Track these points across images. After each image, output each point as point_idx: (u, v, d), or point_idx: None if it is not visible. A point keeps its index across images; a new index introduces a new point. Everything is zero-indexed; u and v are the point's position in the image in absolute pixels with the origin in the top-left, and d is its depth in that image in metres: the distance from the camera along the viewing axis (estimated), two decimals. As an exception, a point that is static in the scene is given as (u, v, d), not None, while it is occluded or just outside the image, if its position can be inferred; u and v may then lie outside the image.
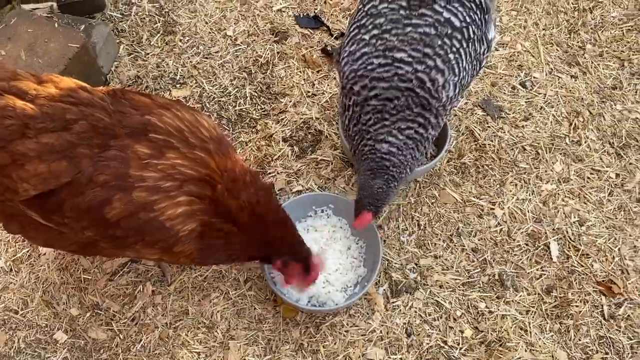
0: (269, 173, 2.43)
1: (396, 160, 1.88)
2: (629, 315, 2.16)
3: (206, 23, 2.82)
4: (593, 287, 2.21)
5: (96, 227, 1.59)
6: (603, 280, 2.23)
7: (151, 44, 2.75)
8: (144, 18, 2.82)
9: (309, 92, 2.67)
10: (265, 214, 1.73)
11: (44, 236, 1.66)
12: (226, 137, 1.79)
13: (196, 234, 1.66)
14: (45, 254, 2.20)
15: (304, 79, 2.70)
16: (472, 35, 1.93)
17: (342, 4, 2.90)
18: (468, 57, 1.92)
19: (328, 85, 2.68)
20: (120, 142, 1.57)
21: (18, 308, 2.13)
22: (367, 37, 1.90)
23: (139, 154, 1.57)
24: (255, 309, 2.14)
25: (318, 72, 2.72)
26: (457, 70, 1.88)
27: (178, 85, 2.65)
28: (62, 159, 1.48)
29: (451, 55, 1.87)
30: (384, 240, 2.30)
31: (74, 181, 1.50)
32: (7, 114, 1.45)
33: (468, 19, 1.92)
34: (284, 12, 2.88)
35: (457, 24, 1.89)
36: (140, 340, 2.06)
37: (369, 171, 1.90)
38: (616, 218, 2.36)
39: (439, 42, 1.85)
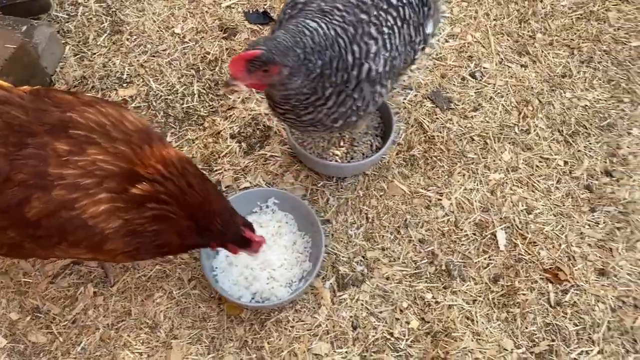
0: (216, 170, 2.41)
1: (318, 40, 1.69)
2: (575, 302, 2.16)
3: (154, 21, 2.80)
4: (540, 275, 2.21)
5: (17, 227, 1.56)
6: (550, 268, 2.22)
7: (98, 44, 2.72)
8: (91, 18, 2.79)
9: (258, 88, 2.64)
10: (206, 201, 1.70)
11: (-35, 240, 1.63)
12: (154, 129, 1.77)
13: (124, 231, 1.64)
14: (-16, 258, 2.16)
15: (254, 75, 2.67)
16: (407, 18, 1.90)
17: None
18: (402, 39, 1.89)
19: (278, 80, 2.66)
20: (39, 139, 1.54)
21: (-43, 314, 2.09)
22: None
23: (58, 151, 1.54)
24: (199, 307, 2.12)
25: (268, 68, 2.70)
26: (389, 45, 1.85)
27: (125, 85, 2.62)
28: None
29: (385, 29, 1.84)
30: (332, 235, 2.29)
31: None
32: None
33: (404, 0, 1.90)
34: (232, 8, 2.86)
35: (394, 1, 1.87)
36: (81, 342, 2.03)
37: (285, 31, 1.69)
38: (564, 205, 2.36)
39: (375, 13, 1.83)
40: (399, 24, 1.88)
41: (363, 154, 2.33)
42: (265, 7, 2.86)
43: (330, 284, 2.19)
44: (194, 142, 2.49)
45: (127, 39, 2.74)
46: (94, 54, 2.69)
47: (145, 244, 1.66)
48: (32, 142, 1.53)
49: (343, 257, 2.24)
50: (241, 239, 1.79)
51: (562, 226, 2.31)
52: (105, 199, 1.58)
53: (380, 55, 1.83)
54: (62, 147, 1.56)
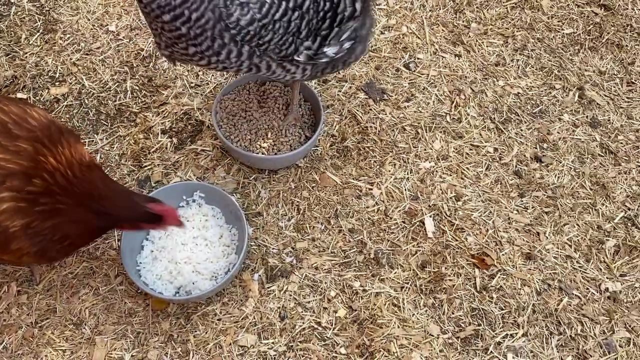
0: (145, 166, 2.40)
1: None
2: (501, 286, 2.18)
3: (88, 20, 2.78)
4: (467, 261, 2.23)
5: None
6: (477, 254, 2.24)
7: (30, 43, 2.70)
8: (24, 18, 2.77)
9: (192, 82, 2.64)
10: (93, 188, 1.72)
11: None
12: (60, 124, 1.76)
13: (30, 229, 1.63)
14: None
15: (188, 70, 2.68)
16: (304, 6, 1.83)
17: (227, -6, 2.88)
18: (285, 17, 1.79)
19: (213, 75, 2.66)
20: None
21: None
22: None
23: None
24: (125, 303, 2.11)
25: (203, 63, 2.70)
26: (264, 10, 1.75)
27: (57, 83, 2.61)
28: None
29: None
30: (263, 227, 2.29)
31: None
32: None
33: None
34: (168, 5, 2.85)
35: None
36: (2, 341, 2.01)
37: None
38: (492, 191, 2.38)
39: None
40: (290, 5, 1.79)
41: (290, 146, 2.33)
42: (200, 3, 2.85)
43: (259, 275, 2.19)
44: (124, 139, 2.48)
45: (61, 38, 2.73)
46: (26, 53, 2.67)
47: (47, 241, 1.65)
48: None
49: (273, 249, 2.25)
50: (150, 215, 1.78)
51: (490, 212, 2.33)
52: (7, 198, 1.58)
53: (250, 9, 1.72)
54: None
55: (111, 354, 2.01)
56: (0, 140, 1.61)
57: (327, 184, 2.40)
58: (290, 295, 2.15)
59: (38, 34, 2.73)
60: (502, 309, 2.14)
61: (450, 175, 2.42)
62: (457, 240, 2.26)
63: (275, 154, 2.31)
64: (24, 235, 1.61)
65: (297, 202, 2.35)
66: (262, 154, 2.31)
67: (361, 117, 2.56)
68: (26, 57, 2.67)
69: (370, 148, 2.49)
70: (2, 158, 1.59)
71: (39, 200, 1.60)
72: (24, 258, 1.68)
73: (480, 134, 2.53)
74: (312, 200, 2.36)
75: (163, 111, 2.56)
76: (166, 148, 2.46)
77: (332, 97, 2.62)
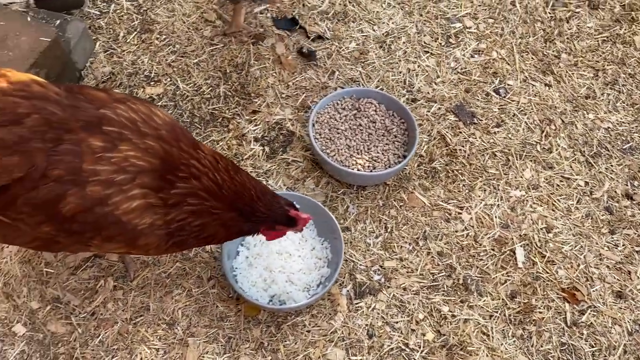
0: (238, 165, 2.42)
1: None
2: (591, 323, 2.16)
3: (184, 22, 2.83)
4: (557, 294, 2.21)
5: (52, 222, 1.58)
6: (567, 287, 2.23)
7: (127, 41, 2.76)
8: (122, 16, 2.83)
9: (283, 93, 2.67)
10: (243, 189, 1.73)
11: (2, 232, 1.65)
12: (183, 127, 1.79)
13: (158, 226, 1.65)
14: (8, 247, 2.19)
15: (279, 80, 2.71)
16: None
17: (319, 7, 2.91)
18: None
19: (305, 86, 2.69)
20: (74, 135, 1.56)
21: (-22, 300, 2.12)
22: None
23: (93, 148, 1.56)
24: (217, 307, 2.14)
25: (293, 73, 2.73)
26: None
27: (152, 83, 2.66)
28: (13, 153, 1.48)
29: None
30: (351, 242, 2.30)
31: (27, 176, 1.49)
32: None
33: None
34: (262, 14, 2.89)
35: None
36: (99, 335, 2.05)
37: None
38: (583, 226, 2.37)
39: None
40: None
41: (385, 164, 2.35)
42: (293, 13, 2.89)
43: (347, 291, 2.20)
44: (218, 144, 2.51)
45: (157, 38, 2.78)
46: (124, 51, 2.73)
47: (190, 236, 1.68)
48: (68, 138, 1.55)
49: (361, 265, 2.26)
50: (288, 218, 1.81)
51: (581, 246, 2.32)
52: (138, 195, 1.60)
53: None
54: (96, 144, 1.57)
55: (203, 357, 2.03)
56: (131, 138, 1.64)
57: (415, 204, 2.41)
58: (378, 314, 2.16)
59: (135, 32, 2.79)
60: (593, 347, 2.12)
61: (541, 205, 2.41)
62: (547, 273, 2.25)
63: (371, 171, 2.33)
64: (153, 232, 1.64)
65: (385, 220, 2.36)
66: (358, 170, 2.32)
67: (450, 139, 2.56)
68: (123, 54, 2.72)
69: (459, 171, 2.49)
70: (132, 155, 1.62)
71: (186, 200, 1.62)
72: (151, 251, 1.71)
73: (571, 166, 2.52)
74: (399, 219, 2.37)
75: (255, 119, 2.59)
76: (258, 156, 2.49)
77: (421, 117, 2.62)
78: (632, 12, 2.94)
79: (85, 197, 1.55)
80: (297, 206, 2.21)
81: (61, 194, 1.54)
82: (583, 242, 2.32)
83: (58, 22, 2.50)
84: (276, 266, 2.11)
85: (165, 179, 1.65)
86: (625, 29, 2.90)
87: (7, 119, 1.51)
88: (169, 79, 2.67)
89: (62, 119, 1.58)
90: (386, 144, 2.41)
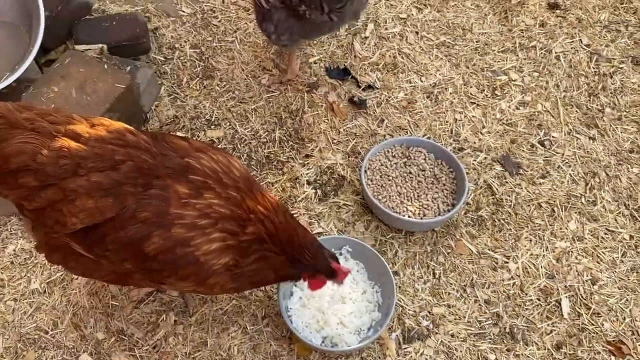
0: (293, 214, 2.54)
1: None
2: (638, 377, 2.18)
3: (243, 70, 3.01)
4: (603, 347, 2.24)
5: (134, 260, 1.71)
6: (613, 340, 2.26)
7: (190, 86, 2.94)
8: (185, 62, 3.02)
9: (334, 139, 2.80)
10: (294, 235, 1.84)
11: (83, 267, 1.80)
12: (252, 176, 1.92)
13: (229, 267, 1.77)
14: (77, 278, 2.33)
15: (331, 127, 2.84)
16: None
17: (370, 58, 3.06)
18: None
19: (355, 133, 2.82)
20: (162, 182, 1.70)
21: (48, 328, 2.25)
22: None
23: (179, 194, 1.70)
24: (271, 345, 2.23)
25: (344, 120, 2.86)
26: None
27: (212, 127, 2.82)
28: (108, 196, 1.62)
29: None
30: (399, 287, 2.38)
31: (118, 216, 1.63)
32: (63, 154, 1.61)
33: None
34: (316, 64, 3.05)
35: None
36: (160, 367, 2.16)
37: None
38: (628, 279, 2.41)
39: None
40: None
41: (435, 212, 2.44)
42: (345, 64, 3.04)
43: (396, 335, 2.27)
44: (273, 186, 2.64)
45: (217, 84, 2.95)
46: (186, 95, 2.90)
47: (245, 281, 1.79)
48: (156, 184, 1.69)
49: (409, 310, 2.33)
50: (329, 269, 1.90)
51: (627, 300, 2.35)
52: (218, 238, 1.73)
53: None
54: (183, 190, 1.71)
55: (257, 393, 2.12)
56: (214, 187, 1.77)
57: (462, 251, 2.48)
58: (427, 359, 2.22)
59: (197, 78, 2.97)
60: (639, 402, 2.14)
61: (586, 257, 2.46)
62: (593, 325, 2.29)
63: (421, 218, 2.42)
64: (223, 273, 1.75)
65: (433, 266, 2.44)
66: (409, 216, 2.42)
67: (497, 189, 2.64)
68: (186, 99, 2.90)
69: (506, 221, 2.56)
70: (216, 203, 1.74)
71: (252, 247, 1.74)
72: (216, 290, 1.82)
73: (616, 219, 2.57)
74: (447, 266, 2.44)
75: (308, 163, 2.72)
76: (311, 199, 2.61)
77: (467, 166, 2.72)
78: (676, 69, 3.02)
79: (169, 238, 1.68)
80: (348, 249, 2.33)
81: (147, 235, 1.67)
82: (629, 295, 2.36)
83: (129, 68, 2.69)
84: (329, 308, 2.20)
85: (239, 225, 1.78)
86: (668, 86, 2.97)
87: (105, 165, 1.66)
88: (228, 123, 2.83)
89: (152, 165, 1.72)
90: (435, 192, 2.50)
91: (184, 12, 3.18)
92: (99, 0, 3.11)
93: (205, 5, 3.21)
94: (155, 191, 1.67)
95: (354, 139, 2.81)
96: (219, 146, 2.75)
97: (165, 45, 3.05)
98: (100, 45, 2.74)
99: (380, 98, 2.94)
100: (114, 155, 1.65)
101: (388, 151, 2.62)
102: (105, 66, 2.54)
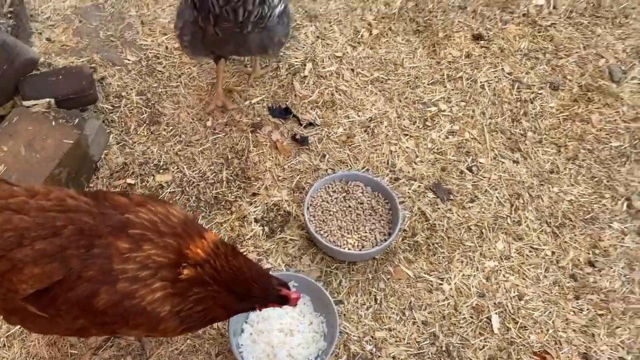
0: (242, 252, 2.69)
1: None
2: (561, 383, 2.41)
3: (188, 114, 3.15)
4: (530, 357, 2.47)
5: (86, 316, 1.83)
6: (539, 351, 2.48)
7: (138, 133, 3.06)
8: (132, 109, 3.14)
9: (279, 176, 2.97)
10: (240, 273, 1.96)
11: (40, 326, 1.91)
12: (194, 220, 2.06)
13: (175, 312, 1.90)
14: (35, 330, 2.42)
15: (276, 164, 3.01)
16: None
17: (310, 96, 3.25)
18: None
19: (299, 169, 2.99)
20: (104, 240, 1.83)
21: (9, 381, 2.34)
22: None
23: (120, 249, 1.83)
24: (225, 380, 2.37)
25: (288, 157, 3.04)
26: None
27: (161, 171, 2.95)
28: (53, 261, 1.75)
29: None
30: (344, 314, 2.56)
31: (65, 278, 1.76)
32: (7, 227, 1.73)
33: None
34: (259, 104, 3.22)
35: None
36: (120, 411, 2.27)
37: None
38: (551, 293, 2.64)
39: None
40: None
41: (372, 242, 2.63)
42: (287, 103, 3.22)
43: (342, 361, 2.44)
44: (222, 225, 2.79)
45: (164, 129, 3.09)
46: (135, 142, 3.03)
47: (195, 322, 1.93)
48: (98, 243, 1.82)
49: (354, 336, 2.51)
50: (279, 297, 2.03)
51: (550, 312, 2.58)
52: (159, 287, 1.86)
53: None
54: (123, 246, 1.85)
55: None
56: (153, 238, 1.91)
57: (400, 276, 2.68)
58: (371, 381, 2.40)
59: (145, 124, 3.10)
60: (563, 405, 2.36)
61: (513, 274, 2.69)
62: (520, 338, 2.51)
63: (360, 249, 2.61)
64: (172, 318, 1.89)
65: (375, 292, 2.63)
66: (349, 249, 2.60)
67: (430, 215, 2.86)
68: (134, 145, 3.02)
69: (439, 244, 2.77)
70: (154, 253, 1.88)
71: (192, 290, 1.88)
72: (169, 333, 1.96)
73: (539, 237, 2.81)
74: (387, 291, 2.63)
75: (255, 201, 2.88)
76: (259, 236, 2.76)
77: (403, 195, 2.92)
78: (589, 93, 3.30)
79: (115, 292, 1.81)
80: (294, 284, 2.49)
81: (95, 292, 1.80)
82: (551, 307, 2.60)
83: (77, 120, 2.80)
84: (278, 342, 2.35)
85: (178, 271, 1.92)
86: (582, 108, 3.25)
87: (48, 232, 1.79)
88: (176, 167, 2.97)
89: (92, 226, 1.85)
90: (373, 223, 2.70)
91: (129, 60, 3.31)
92: (44, 54, 3.21)
93: (150, 52, 3.35)
94: (97, 250, 1.80)
95: (298, 175, 2.98)
96: (168, 190, 2.89)
97: (112, 94, 3.17)
98: (47, 99, 2.85)
99: (321, 134, 3.13)
100: (55, 222, 1.78)
101: (329, 187, 2.81)
102: (53, 122, 2.65)
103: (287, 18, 2.83)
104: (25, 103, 2.84)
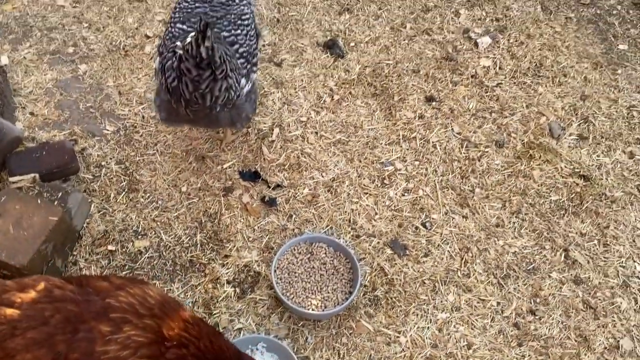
0: (215, 313, 2.94)
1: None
2: None
3: (164, 180, 3.40)
4: (477, 402, 2.75)
5: None
6: (485, 396, 2.77)
7: (117, 201, 3.30)
8: (112, 178, 3.38)
9: (250, 237, 3.23)
10: (222, 351, 2.21)
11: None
12: (170, 299, 2.31)
13: None
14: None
15: (246, 226, 3.27)
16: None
17: (277, 160, 3.53)
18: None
19: (268, 230, 3.25)
20: (88, 325, 2.07)
21: None
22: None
23: (102, 332, 2.07)
24: None
25: (258, 219, 3.30)
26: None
27: (140, 237, 3.19)
28: (43, 347, 1.98)
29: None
30: (310, 368, 2.81)
31: None
32: (0, 321, 1.97)
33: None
34: (230, 168, 3.48)
35: None
36: None
37: None
38: (497, 341, 2.93)
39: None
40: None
41: (334, 302, 2.90)
42: (256, 167, 3.49)
43: (309, 413, 2.69)
44: (196, 288, 3.03)
45: (142, 196, 3.33)
46: (114, 210, 3.27)
47: None
48: (82, 328, 2.06)
49: (319, 388, 2.76)
50: None
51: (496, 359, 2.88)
52: (139, 366, 2.10)
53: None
54: (105, 329, 2.08)
55: None
56: (132, 320, 2.15)
57: (362, 331, 2.95)
58: None
59: (124, 192, 3.34)
60: None
61: (463, 325, 2.97)
62: (469, 384, 2.80)
63: (323, 310, 2.87)
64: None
65: (338, 347, 2.89)
66: (313, 309, 2.87)
67: (388, 270, 3.14)
68: (115, 213, 3.26)
69: (397, 298, 3.05)
70: (134, 334, 2.13)
71: None
72: None
73: (486, 289, 3.11)
74: (350, 345, 2.90)
75: (227, 263, 3.13)
76: (231, 297, 3.01)
77: (364, 251, 3.20)
78: (530, 150, 3.63)
79: (98, 372, 2.05)
80: (263, 345, 2.74)
81: (80, 373, 2.03)
82: (497, 355, 2.88)
83: (60, 194, 3.04)
84: (249, 398, 2.60)
85: (159, 349, 2.16)
86: (525, 165, 3.58)
87: (37, 322, 2.03)
88: (153, 233, 3.21)
89: (77, 313, 2.09)
90: (335, 282, 2.97)
91: (107, 130, 3.56)
92: (28, 128, 3.45)
93: (127, 122, 3.61)
94: (82, 334, 2.04)
95: (267, 236, 3.24)
96: (147, 255, 3.13)
97: (92, 164, 3.41)
98: (32, 175, 3.08)
99: (288, 195, 3.41)
100: (44, 312, 2.02)
101: (294, 249, 3.08)
102: (39, 200, 2.88)
103: (254, 95, 3.12)
104: (12, 179, 3.07)
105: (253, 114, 3.19)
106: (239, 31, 2.94)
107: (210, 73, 2.62)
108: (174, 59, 2.67)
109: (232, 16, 2.95)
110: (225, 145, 3.56)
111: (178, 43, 2.76)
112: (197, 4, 2.95)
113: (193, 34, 2.53)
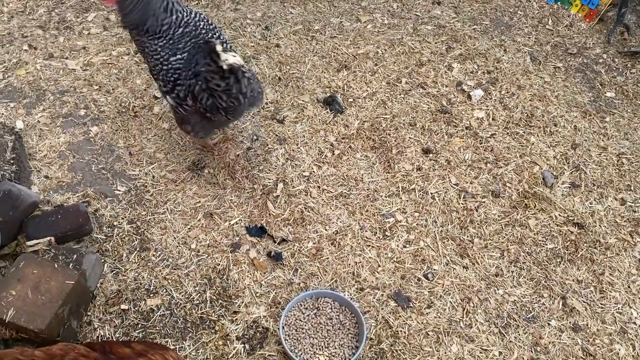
0: (226, 371, 3.04)
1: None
2: None
3: (174, 238, 3.53)
4: None
5: None
6: None
7: (129, 260, 3.43)
8: (124, 237, 3.52)
9: (257, 292, 3.34)
10: None
11: None
12: None
13: None
14: None
15: (254, 281, 3.39)
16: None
17: (282, 215, 3.66)
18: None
19: (275, 284, 3.37)
20: None
21: None
22: None
23: None
24: None
25: (264, 274, 3.42)
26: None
27: (151, 295, 3.30)
28: None
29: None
30: (320, 423, 2.89)
31: None
32: None
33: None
34: (237, 224, 3.62)
35: None
36: None
37: None
38: (500, 391, 3.02)
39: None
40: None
41: (341, 357, 2.99)
42: (262, 222, 3.63)
43: None
44: (207, 345, 3.13)
45: (153, 255, 3.46)
46: (127, 269, 3.39)
47: None
48: (109, 394, 2.17)
49: None
50: None
51: (499, 409, 2.96)
52: None
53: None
54: None
55: None
56: (154, 385, 2.26)
57: (368, 383, 3.04)
58: None
59: (135, 252, 3.47)
60: None
61: (466, 376, 3.07)
62: None
63: (331, 365, 2.97)
64: None
65: (346, 400, 2.98)
66: (321, 365, 2.97)
67: (393, 323, 3.24)
68: (127, 272, 3.38)
69: (402, 351, 3.15)
70: None
71: None
72: None
73: (487, 339, 3.21)
74: (357, 398, 2.98)
75: (236, 319, 3.24)
76: (240, 354, 3.11)
77: (368, 304, 3.31)
78: (525, 199, 3.78)
79: None
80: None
81: None
82: (501, 405, 2.97)
83: (75, 256, 3.17)
84: None
85: None
86: (521, 214, 3.72)
87: None
88: (165, 290, 3.33)
89: None
90: (342, 338, 3.07)
91: (119, 190, 3.71)
92: (43, 191, 3.59)
93: (138, 182, 3.76)
94: None
95: (274, 290, 3.36)
96: (158, 313, 3.23)
97: (105, 224, 3.55)
98: (48, 238, 3.21)
99: (293, 249, 3.53)
100: None
101: (301, 304, 3.19)
102: (56, 265, 3.00)
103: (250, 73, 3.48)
104: (29, 243, 3.20)
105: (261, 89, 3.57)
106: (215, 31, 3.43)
107: (234, 78, 3.02)
108: (200, 82, 3.09)
109: (203, 23, 3.40)
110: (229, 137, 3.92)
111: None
112: (171, 31, 3.27)
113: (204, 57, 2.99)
